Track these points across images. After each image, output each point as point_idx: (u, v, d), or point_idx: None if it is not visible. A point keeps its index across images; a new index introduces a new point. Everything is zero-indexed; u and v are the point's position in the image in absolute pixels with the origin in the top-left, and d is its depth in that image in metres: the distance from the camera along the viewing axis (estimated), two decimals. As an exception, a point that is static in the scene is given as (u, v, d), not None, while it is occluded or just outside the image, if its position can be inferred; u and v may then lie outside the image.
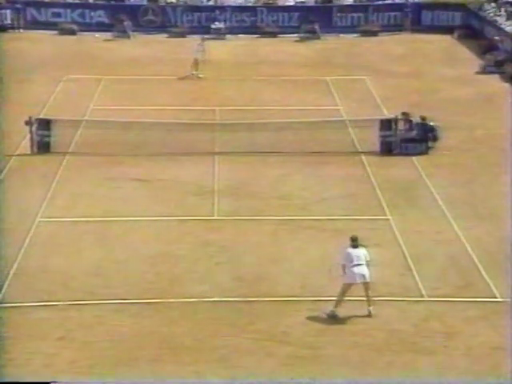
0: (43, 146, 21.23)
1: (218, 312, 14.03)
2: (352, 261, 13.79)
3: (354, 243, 14.02)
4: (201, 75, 27.87)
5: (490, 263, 15.56)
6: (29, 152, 21.12)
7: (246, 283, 14.96)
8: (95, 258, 15.87)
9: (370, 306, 13.89)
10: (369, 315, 13.81)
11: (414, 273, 15.37)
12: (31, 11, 34.63)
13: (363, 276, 13.77)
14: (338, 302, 13.79)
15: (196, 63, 28.05)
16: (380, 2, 36.29)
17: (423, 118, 21.83)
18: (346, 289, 13.77)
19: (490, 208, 18.13)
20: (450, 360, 12.80)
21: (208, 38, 28.81)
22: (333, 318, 13.74)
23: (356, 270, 13.76)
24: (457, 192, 18.98)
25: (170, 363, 12.65)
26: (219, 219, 17.63)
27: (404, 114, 21.98)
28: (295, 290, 14.80)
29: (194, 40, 29.91)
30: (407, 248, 16.30)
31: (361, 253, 13.91)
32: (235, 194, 18.88)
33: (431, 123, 21.78)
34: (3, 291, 14.60)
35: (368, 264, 13.87)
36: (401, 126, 21.71)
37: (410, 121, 21.85)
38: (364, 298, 13.88)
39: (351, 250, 13.94)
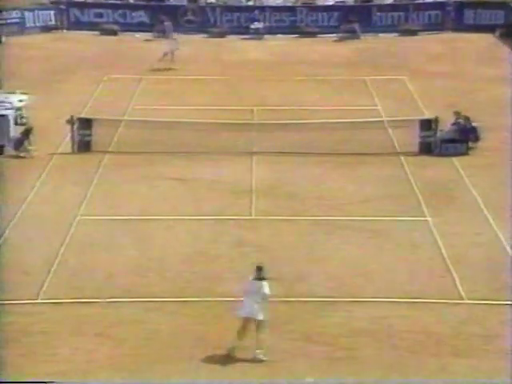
0: (84, 145, 21.48)
1: (254, 311, 14.02)
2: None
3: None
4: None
5: (531, 265, 15.33)
6: (70, 151, 21.40)
7: (283, 283, 14.91)
8: (133, 256, 16.01)
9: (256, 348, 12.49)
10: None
11: (453, 275, 15.21)
12: (74, 12, 35.05)
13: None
14: None
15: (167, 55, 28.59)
16: (421, 1, 35.93)
17: (467, 118, 21.61)
18: None
19: (531, 210, 17.85)
20: (488, 363, 12.64)
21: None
22: None
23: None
24: (497, 193, 18.71)
25: (205, 362, 12.69)
26: (256, 219, 17.65)
27: (456, 113, 21.76)
28: (332, 290, 14.75)
29: (232, 41, 29.88)
30: (446, 249, 16.13)
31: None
32: (272, 193, 18.88)
33: (473, 124, 21.55)
34: (44, 288, 14.84)
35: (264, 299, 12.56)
36: (447, 126, 21.47)
37: (459, 122, 21.60)
38: None
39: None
